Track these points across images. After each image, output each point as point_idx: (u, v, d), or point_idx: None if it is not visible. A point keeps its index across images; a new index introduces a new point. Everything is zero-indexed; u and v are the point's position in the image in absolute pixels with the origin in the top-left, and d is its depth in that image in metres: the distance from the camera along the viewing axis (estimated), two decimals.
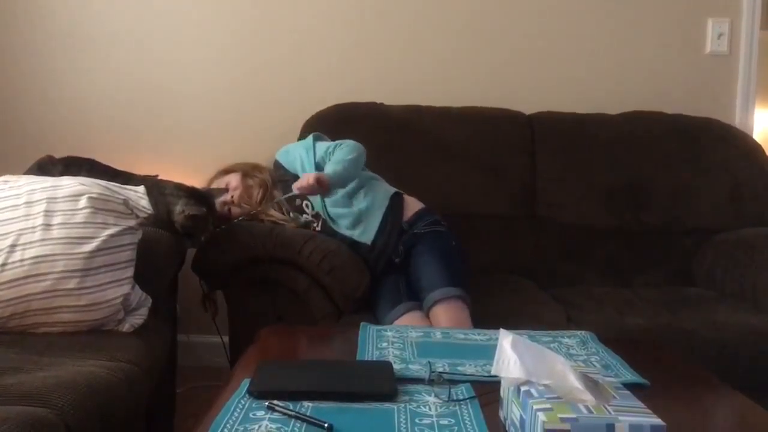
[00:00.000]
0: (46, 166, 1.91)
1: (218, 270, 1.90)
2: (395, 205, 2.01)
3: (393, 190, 2.07)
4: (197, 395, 2.19)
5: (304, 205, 2.08)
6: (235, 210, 2.14)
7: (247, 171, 2.22)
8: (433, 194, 2.34)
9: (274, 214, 2.11)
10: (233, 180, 2.20)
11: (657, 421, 0.84)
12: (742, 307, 2.02)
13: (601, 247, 2.38)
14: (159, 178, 2.06)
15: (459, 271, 1.86)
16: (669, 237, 2.39)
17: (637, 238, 2.39)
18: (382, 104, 2.48)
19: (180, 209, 1.86)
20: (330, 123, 2.44)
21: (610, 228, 2.39)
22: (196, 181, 2.50)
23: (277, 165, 2.18)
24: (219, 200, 2.10)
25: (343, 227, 1.99)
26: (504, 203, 2.41)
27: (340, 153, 1.97)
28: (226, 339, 2.07)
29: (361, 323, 1.50)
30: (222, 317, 2.05)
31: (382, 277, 1.94)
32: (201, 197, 1.93)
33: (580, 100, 2.55)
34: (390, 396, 1.07)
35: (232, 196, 2.16)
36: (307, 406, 1.02)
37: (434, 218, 2.01)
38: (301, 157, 2.07)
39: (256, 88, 2.61)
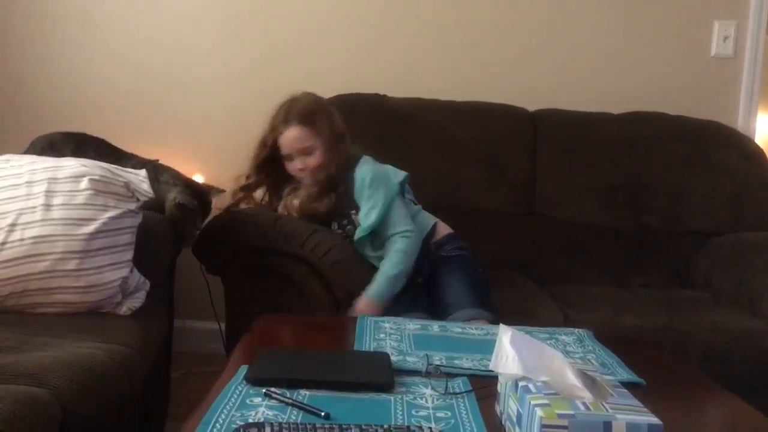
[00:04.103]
0: (57, 144, 1.90)
1: (218, 257, 1.90)
2: (427, 236, 1.95)
3: (430, 223, 1.97)
4: (191, 380, 2.20)
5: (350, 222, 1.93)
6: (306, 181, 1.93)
7: (330, 143, 1.91)
8: (433, 187, 2.35)
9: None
10: (317, 154, 1.90)
11: (654, 420, 0.85)
12: (738, 310, 2.03)
13: (599, 246, 2.38)
14: (160, 162, 2.05)
15: (489, 297, 1.83)
16: (667, 238, 2.39)
17: (636, 238, 2.39)
18: (385, 96, 2.48)
19: (173, 196, 1.85)
20: None
21: (609, 227, 2.39)
22: (197, 167, 2.51)
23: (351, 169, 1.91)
24: (296, 167, 1.90)
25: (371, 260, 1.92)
26: (504, 199, 2.41)
27: (390, 264, 1.81)
28: (222, 325, 2.07)
29: (359, 314, 1.50)
30: (219, 303, 2.05)
31: (399, 295, 1.86)
32: (197, 190, 1.92)
33: (583, 99, 2.55)
34: (387, 387, 1.07)
35: (303, 169, 1.90)
36: (304, 395, 1.02)
37: (462, 243, 1.96)
38: (373, 202, 1.85)
39: (260, 77, 2.60)
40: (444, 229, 2.00)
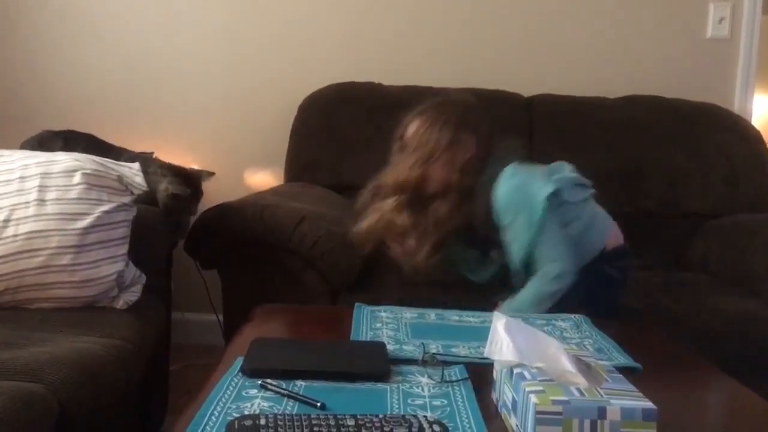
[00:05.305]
0: (46, 142, 1.90)
1: (209, 252, 1.89)
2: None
3: (599, 245, 1.67)
4: (191, 373, 2.20)
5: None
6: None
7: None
8: None
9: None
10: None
11: (648, 404, 0.84)
12: (737, 292, 2.02)
13: None
14: (155, 155, 2.05)
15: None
16: (665, 221, 2.38)
17: (633, 221, 2.35)
18: (380, 84, 2.47)
19: (164, 187, 1.84)
20: (327, 102, 2.43)
21: (607, 211, 2.38)
22: (192, 159, 2.51)
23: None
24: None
25: None
26: None
27: (537, 285, 1.58)
28: (221, 317, 2.07)
29: (356, 303, 1.50)
30: (217, 295, 2.05)
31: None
32: (187, 177, 1.91)
33: (579, 83, 2.54)
34: (383, 376, 1.07)
35: None
36: (299, 385, 1.02)
37: (628, 259, 1.74)
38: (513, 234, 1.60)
39: (253, 67, 2.59)
40: (614, 239, 1.75)
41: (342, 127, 2.40)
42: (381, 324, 1.37)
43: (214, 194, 2.05)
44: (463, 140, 1.66)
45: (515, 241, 1.60)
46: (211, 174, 2.03)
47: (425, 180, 1.65)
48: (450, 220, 1.64)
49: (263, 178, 2.49)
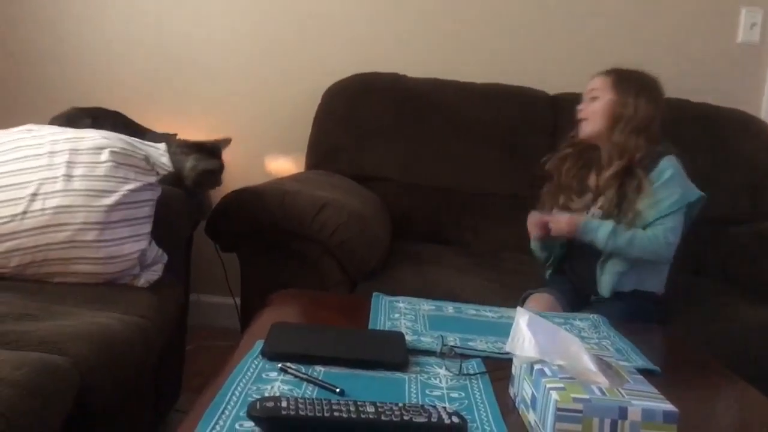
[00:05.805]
0: (75, 119, 1.91)
1: (229, 235, 1.90)
2: None
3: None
4: (205, 354, 2.22)
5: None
6: None
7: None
8: (449, 169, 2.35)
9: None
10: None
11: (670, 407, 0.84)
12: (755, 299, 2.01)
13: None
14: (178, 137, 2.06)
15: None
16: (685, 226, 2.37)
17: None
18: (403, 76, 2.46)
19: (191, 164, 1.85)
20: (350, 92, 2.43)
21: None
22: None
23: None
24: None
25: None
26: (520, 182, 2.39)
27: (627, 234, 1.73)
28: (237, 300, 2.08)
29: (374, 293, 1.50)
30: (234, 279, 2.06)
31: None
32: (209, 151, 1.92)
33: None
34: (402, 366, 1.07)
35: None
36: (319, 370, 1.03)
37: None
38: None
39: (278, 55, 2.59)
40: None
41: (364, 117, 2.40)
42: (399, 314, 1.37)
43: (235, 179, 2.06)
44: (659, 112, 1.86)
45: (659, 201, 1.75)
46: (228, 140, 2.04)
47: (634, 149, 1.83)
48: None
49: (284, 165, 2.51)
